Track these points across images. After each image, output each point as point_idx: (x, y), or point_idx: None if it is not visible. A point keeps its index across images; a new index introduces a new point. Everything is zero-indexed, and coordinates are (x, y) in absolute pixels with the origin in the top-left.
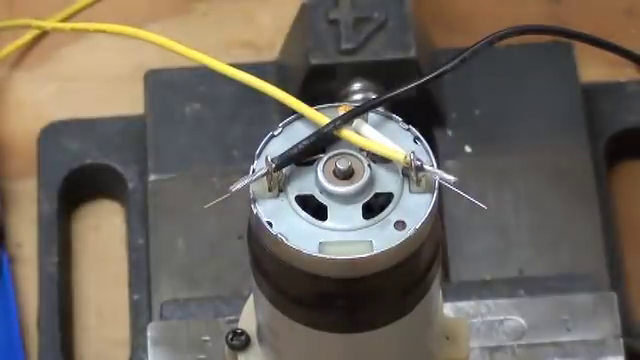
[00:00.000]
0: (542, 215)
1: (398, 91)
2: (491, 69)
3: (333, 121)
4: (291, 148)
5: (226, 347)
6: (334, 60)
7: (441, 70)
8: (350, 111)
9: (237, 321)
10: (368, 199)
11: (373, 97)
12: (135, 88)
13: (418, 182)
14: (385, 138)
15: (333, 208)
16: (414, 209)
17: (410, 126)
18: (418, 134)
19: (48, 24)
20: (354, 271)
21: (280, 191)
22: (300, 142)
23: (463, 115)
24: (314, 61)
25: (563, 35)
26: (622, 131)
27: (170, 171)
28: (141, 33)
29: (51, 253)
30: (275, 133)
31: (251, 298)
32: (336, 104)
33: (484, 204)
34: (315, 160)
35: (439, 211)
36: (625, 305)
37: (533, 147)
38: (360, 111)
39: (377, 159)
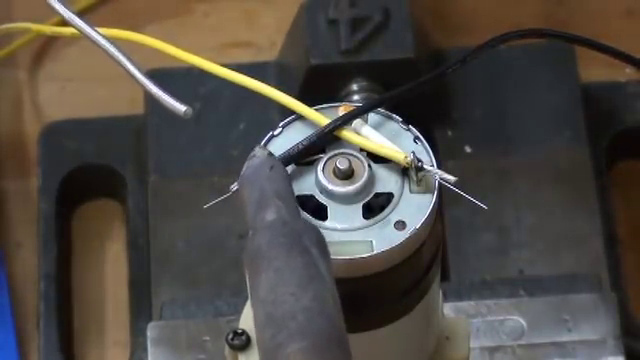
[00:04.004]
0: (542, 215)
1: (398, 91)
2: (491, 69)
3: (334, 121)
4: (291, 148)
5: (226, 347)
6: (334, 60)
7: (441, 71)
8: (351, 111)
9: (237, 321)
10: (368, 199)
11: (373, 97)
12: (135, 88)
13: (418, 182)
14: (385, 138)
15: (333, 208)
16: (414, 209)
17: (410, 126)
18: (418, 134)
19: (48, 29)
20: (354, 271)
21: None
22: (300, 142)
23: (463, 115)
24: (314, 61)
25: (564, 39)
26: (622, 131)
27: (170, 171)
28: (141, 37)
29: (51, 253)
30: (275, 133)
31: None
32: (336, 104)
33: (484, 204)
34: (315, 160)
35: (439, 211)
36: (625, 305)
37: (533, 147)
38: (361, 111)
39: (377, 159)
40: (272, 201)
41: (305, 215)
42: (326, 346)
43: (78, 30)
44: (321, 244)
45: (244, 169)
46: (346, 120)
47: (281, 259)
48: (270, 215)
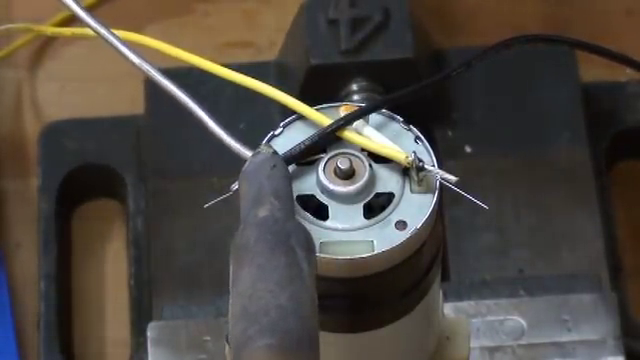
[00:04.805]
0: (542, 215)
1: (401, 93)
2: (491, 69)
3: (337, 121)
4: (293, 148)
5: (227, 347)
6: (334, 60)
7: (445, 75)
8: (354, 112)
9: None
10: (369, 199)
11: (373, 97)
12: (135, 88)
13: (419, 182)
14: (386, 138)
15: (334, 208)
16: (415, 209)
17: (411, 126)
18: (419, 134)
19: (49, 29)
20: (355, 271)
21: None
22: (302, 142)
23: (463, 115)
24: (314, 61)
25: (569, 44)
26: (622, 131)
27: (170, 171)
28: (141, 37)
29: (51, 253)
30: (276, 133)
31: None
32: (337, 104)
33: (484, 204)
34: (316, 160)
35: (439, 211)
36: (625, 305)
37: (533, 147)
38: (364, 112)
39: (378, 159)
40: (268, 199)
41: (306, 215)
42: (294, 346)
43: (112, 44)
44: (308, 246)
45: (246, 164)
46: (349, 120)
47: (265, 256)
48: (263, 212)
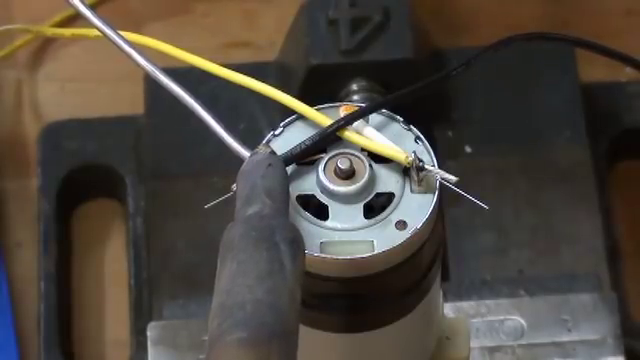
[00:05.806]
0: (542, 215)
1: (402, 93)
2: (491, 69)
3: (337, 121)
4: (294, 148)
5: None
6: (334, 60)
7: (445, 74)
8: (355, 112)
9: None
10: (369, 199)
11: (373, 97)
12: (135, 88)
13: (419, 182)
14: (386, 138)
15: (334, 208)
16: (415, 209)
17: (411, 126)
18: (419, 134)
19: (48, 30)
20: (355, 271)
21: None
22: (303, 142)
23: (463, 115)
24: (314, 61)
25: (569, 42)
26: (622, 131)
27: (170, 171)
28: (141, 37)
29: (51, 253)
30: (276, 133)
31: None
32: (336, 104)
33: (484, 204)
34: (316, 160)
35: (439, 211)
36: (625, 305)
37: (533, 147)
38: (365, 112)
39: (378, 159)
40: (260, 198)
41: (306, 215)
42: (266, 339)
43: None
44: (294, 242)
45: (244, 164)
46: (349, 120)
47: (248, 252)
48: (252, 210)
